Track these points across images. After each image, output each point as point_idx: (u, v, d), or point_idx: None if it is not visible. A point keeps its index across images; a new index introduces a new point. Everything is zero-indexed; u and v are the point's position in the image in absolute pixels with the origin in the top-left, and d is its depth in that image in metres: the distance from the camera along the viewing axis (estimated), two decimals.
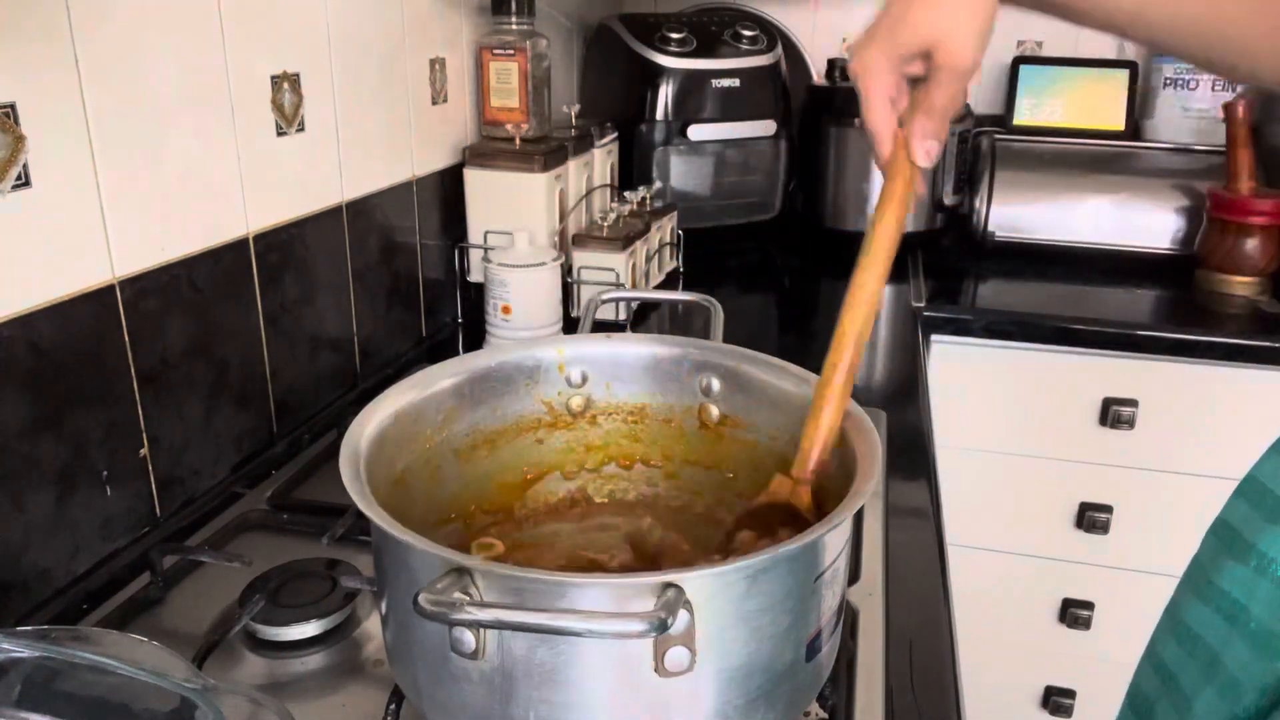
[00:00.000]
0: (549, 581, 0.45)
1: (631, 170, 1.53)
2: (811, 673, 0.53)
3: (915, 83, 0.55)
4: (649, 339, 0.73)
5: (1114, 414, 1.37)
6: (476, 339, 1.23)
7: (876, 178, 1.74)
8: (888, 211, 0.56)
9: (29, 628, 0.54)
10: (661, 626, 0.42)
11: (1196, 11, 0.52)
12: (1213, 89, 1.64)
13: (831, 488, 0.61)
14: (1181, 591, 0.55)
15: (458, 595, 0.43)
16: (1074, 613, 1.50)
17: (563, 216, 1.29)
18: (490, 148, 1.24)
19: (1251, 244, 1.43)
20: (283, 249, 0.93)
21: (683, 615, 0.44)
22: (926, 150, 0.55)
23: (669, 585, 0.43)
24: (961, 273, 1.60)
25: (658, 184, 1.49)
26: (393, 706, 0.58)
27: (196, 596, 0.71)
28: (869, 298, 0.57)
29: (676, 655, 0.46)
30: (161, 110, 0.76)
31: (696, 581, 0.45)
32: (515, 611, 0.43)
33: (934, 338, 1.39)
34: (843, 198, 1.64)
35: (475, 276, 1.28)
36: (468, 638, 0.46)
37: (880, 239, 0.56)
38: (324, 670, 0.64)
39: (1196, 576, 0.54)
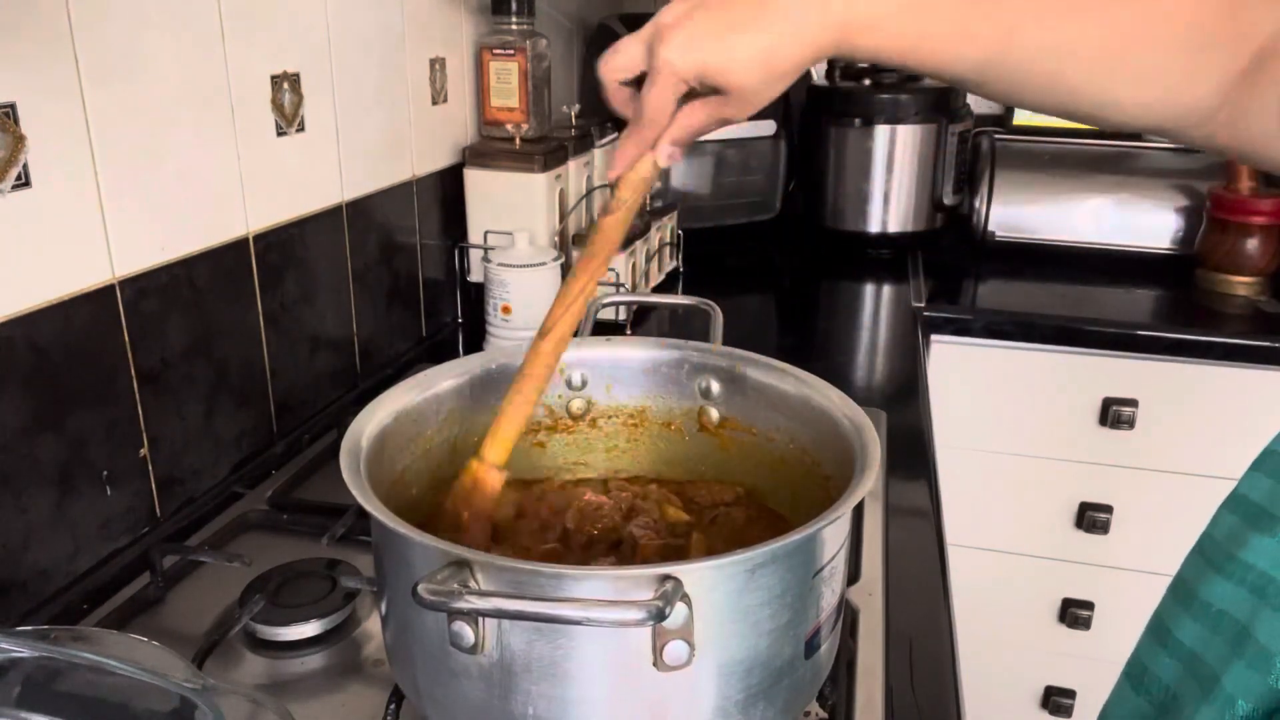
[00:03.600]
0: (547, 573, 0.45)
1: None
2: (811, 670, 0.53)
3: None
4: (649, 342, 0.73)
5: (1114, 414, 1.37)
6: (476, 339, 1.23)
7: (876, 178, 1.74)
8: (629, 190, 0.58)
9: (29, 628, 0.54)
10: (659, 615, 0.42)
11: (1046, 71, 0.52)
12: None
13: (831, 487, 0.61)
14: (1193, 569, 0.55)
15: (456, 585, 0.43)
16: (1074, 613, 1.50)
17: (563, 216, 1.29)
18: (490, 148, 1.24)
19: (1251, 244, 1.43)
20: (283, 249, 0.93)
21: (681, 608, 0.44)
22: (670, 154, 0.56)
23: (667, 577, 0.44)
24: (961, 273, 1.60)
25: (658, 184, 1.49)
26: (393, 706, 0.58)
27: (196, 596, 0.71)
28: (581, 293, 0.59)
29: (675, 649, 0.46)
30: (161, 110, 0.76)
31: (695, 574, 0.45)
32: (514, 600, 0.43)
33: (934, 338, 1.39)
34: (843, 198, 1.64)
35: (475, 276, 1.28)
36: (467, 632, 0.46)
37: (606, 240, 0.58)
38: (324, 670, 0.64)
39: (1213, 553, 0.54)
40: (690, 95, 0.55)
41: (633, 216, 0.59)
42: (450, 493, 0.60)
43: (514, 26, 1.23)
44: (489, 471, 0.59)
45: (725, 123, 0.56)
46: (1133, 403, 1.36)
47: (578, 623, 0.43)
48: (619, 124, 1.48)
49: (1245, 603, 0.50)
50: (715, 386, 0.71)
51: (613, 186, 0.58)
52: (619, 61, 0.55)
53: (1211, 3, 0.49)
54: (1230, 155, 0.56)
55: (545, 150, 1.23)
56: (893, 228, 1.63)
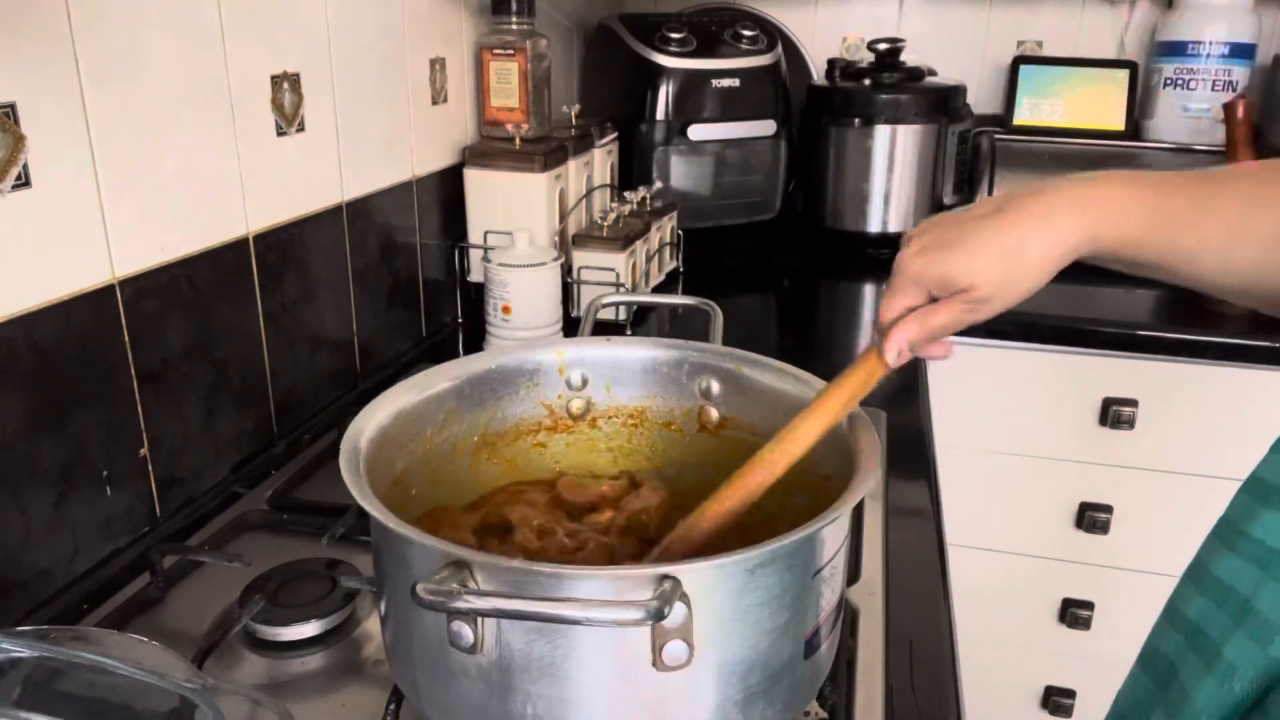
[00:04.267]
0: (546, 573, 0.45)
1: (631, 170, 1.53)
2: (811, 670, 0.53)
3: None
4: (649, 342, 0.73)
5: (1114, 414, 1.37)
6: (476, 339, 1.23)
7: (876, 178, 1.74)
8: (845, 387, 0.59)
9: (29, 628, 0.54)
10: (658, 615, 0.42)
11: (1273, 258, 0.53)
12: (1213, 89, 1.64)
13: (831, 487, 0.61)
14: (1207, 549, 0.55)
15: (455, 585, 0.43)
16: (1074, 613, 1.50)
17: (563, 216, 1.29)
18: (490, 148, 1.24)
19: None
20: (283, 249, 0.93)
21: (680, 608, 0.44)
22: (897, 353, 0.57)
23: (666, 577, 0.44)
24: None
25: (658, 184, 1.49)
26: (392, 706, 0.58)
27: (196, 596, 0.71)
28: (808, 443, 0.59)
29: (674, 649, 0.46)
30: (161, 110, 0.76)
31: (694, 574, 0.45)
32: (512, 600, 0.43)
33: None
34: (843, 198, 1.64)
35: (475, 276, 1.28)
36: (466, 631, 0.46)
37: (838, 400, 0.59)
38: (324, 670, 0.64)
39: (1226, 532, 0.54)
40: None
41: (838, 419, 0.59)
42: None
43: (514, 26, 1.23)
44: None
45: (969, 324, 0.56)
46: (1133, 403, 1.36)
47: (576, 622, 0.43)
48: (619, 124, 1.49)
49: (1250, 575, 0.50)
50: (715, 386, 0.71)
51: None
52: (896, 302, 0.57)
53: None
54: None
55: (545, 150, 1.23)
56: (893, 228, 1.63)
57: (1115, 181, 0.54)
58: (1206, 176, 0.55)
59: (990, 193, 1.60)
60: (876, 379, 0.59)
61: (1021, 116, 1.71)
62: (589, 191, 1.39)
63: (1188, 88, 1.67)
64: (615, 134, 1.47)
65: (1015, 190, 0.56)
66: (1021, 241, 0.53)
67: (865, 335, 1.38)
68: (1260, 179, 0.54)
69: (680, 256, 1.49)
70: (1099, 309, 1.41)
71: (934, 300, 0.56)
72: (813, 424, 0.58)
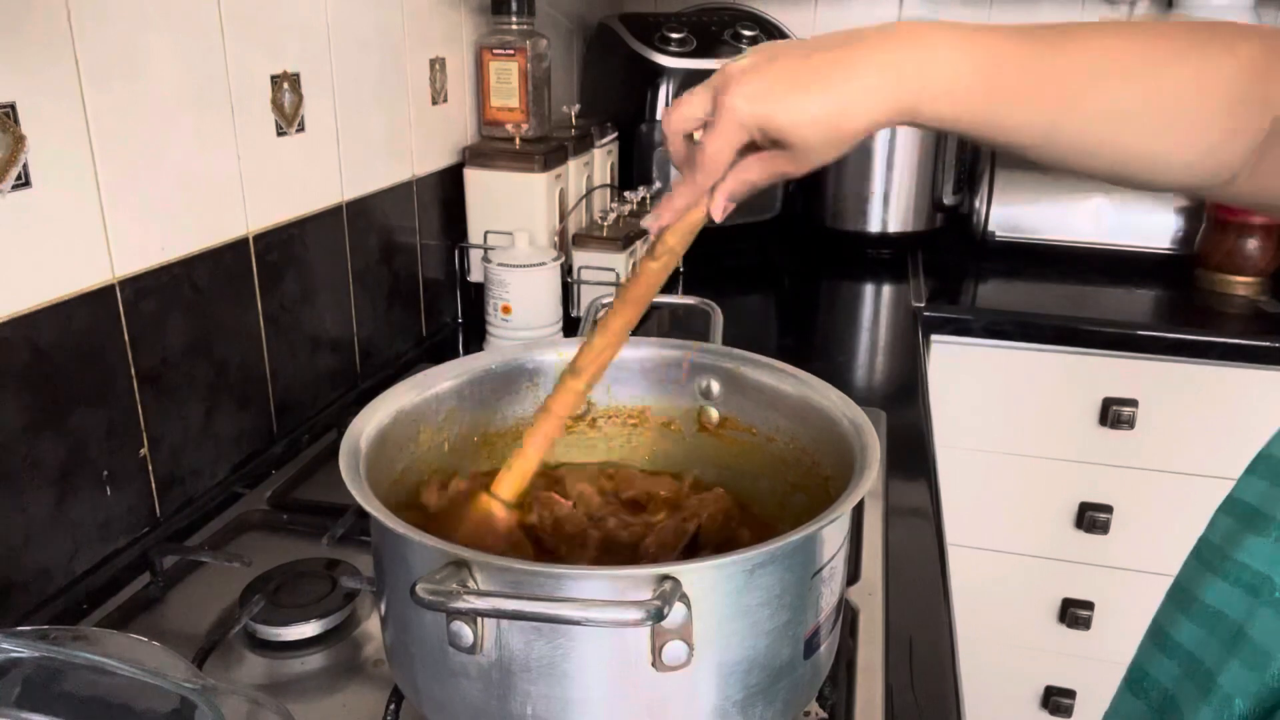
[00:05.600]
0: (546, 573, 0.45)
1: (631, 170, 1.53)
2: (810, 670, 0.53)
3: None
4: (649, 342, 0.73)
5: (1114, 414, 1.37)
6: (476, 339, 1.23)
7: (876, 178, 1.74)
8: (675, 236, 0.58)
9: (29, 628, 0.54)
10: (658, 615, 0.42)
11: (1105, 135, 0.53)
12: None
13: (830, 487, 0.61)
14: (1191, 573, 0.55)
15: (455, 585, 0.43)
16: (1074, 613, 1.50)
17: (563, 216, 1.29)
18: (490, 148, 1.24)
19: (1251, 244, 1.43)
20: (283, 249, 0.93)
21: (680, 609, 0.44)
22: (722, 207, 0.56)
23: (666, 577, 0.44)
24: (961, 273, 1.60)
25: (658, 184, 1.49)
26: (392, 706, 0.58)
27: (196, 596, 0.71)
28: (641, 301, 0.58)
29: (674, 649, 0.46)
30: (161, 110, 0.76)
31: (693, 574, 0.45)
32: (512, 600, 0.43)
33: (934, 338, 1.39)
34: (842, 198, 1.64)
35: (475, 276, 1.28)
36: (465, 632, 0.46)
37: (647, 287, 0.58)
38: (324, 670, 0.64)
39: (1209, 555, 0.54)
40: (749, 149, 0.54)
41: (675, 265, 0.58)
42: (460, 521, 0.59)
43: (514, 26, 1.23)
44: (499, 508, 0.58)
45: (782, 178, 0.55)
46: (1133, 403, 1.36)
47: (576, 623, 0.43)
48: (619, 124, 1.49)
49: (1241, 602, 0.50)
50: (715, 386, 0.71)
51: (655, 235, 0.57)
52: (685, 111, 0.55)
53: (1248, 70, 0.51)
54: (1248, 206, 0.59)
55: (545, 150, 1.23)
56: (893, 228, 1.63)
57: (946, 44, 0.51)
58: (1052, 35, 0.52)
59: (991, 193, 1.60)
60: (698, 227, 0.58)
61: None
62: (589, 191, 1.39)
63: None
64: (615, 134, 1.47)
65: (858, 30, 0.53)
66: (845, 107, 0.51)
67: (866, 334, 1.38)
68: (1110, 44, 0.52)
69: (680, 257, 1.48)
70: (1099, 309, 1.41)
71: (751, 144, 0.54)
72: (658, 271, 0.58)
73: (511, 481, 0.59)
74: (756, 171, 0.55)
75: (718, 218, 0.57)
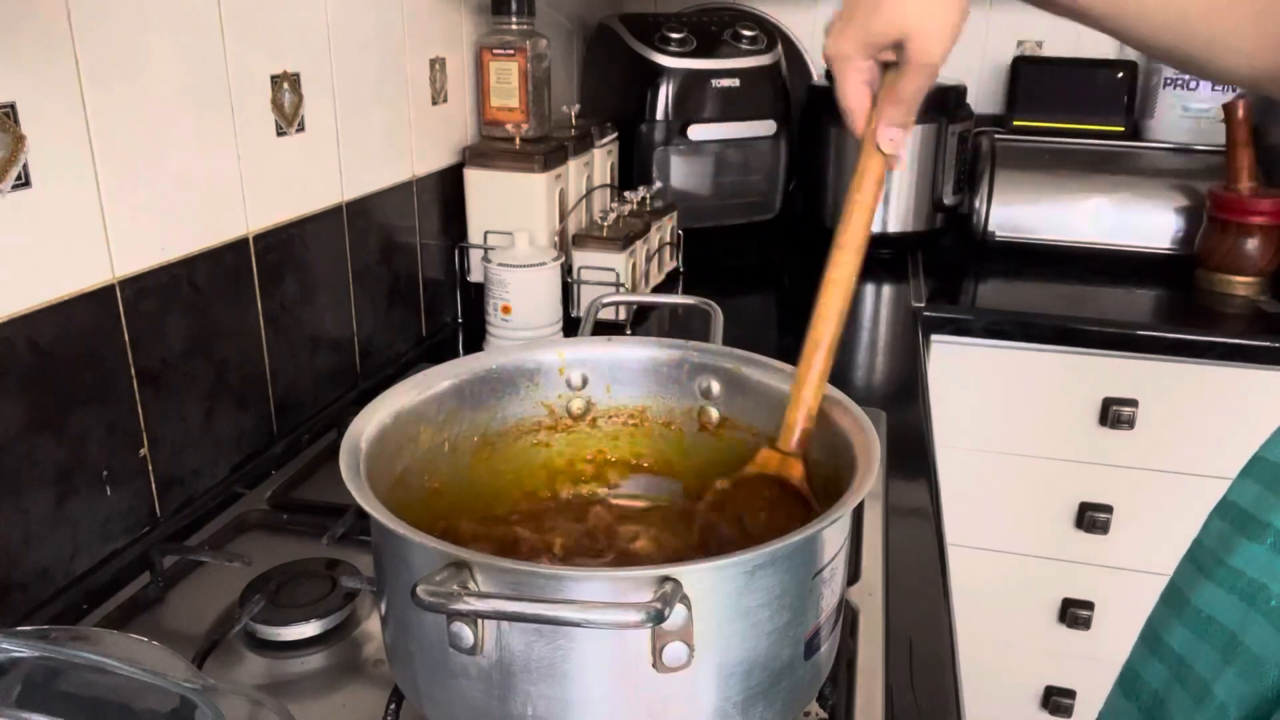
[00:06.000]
0: (546, 574, 0.45)
1: (631, 170, 1.53)
2: (811, 671, 0.53)
3: (886, 66, 0.57)
4: (649, 342, 0.73)
5: (1114, 414, 1.37)
6: (476, 339, 1.23)
7: None
8: (863, 192, 0.59)
9: (29, 628, 0.54)
10: (658, 617, 0.42)
11: (1162, 5, 0.53)
12: (1213, 89, 1.64)
13: (831, 488, 0.61)
14: (1185, 576, 0.55)
15: (455, 586, 0.43)
16: (1074, 613, 1.50)
17: (563, 216, 1.29)
18: (490, 148, 1.24)
19: (1251, 244, 1.43)
20: (283, 249, 0.93)
21: (680, 610, 0.44)
22: (891, 138, 0.57)
23: (666, 579, 0.44)
24: (961, 273, 1.60)
25: (658, 184, 1.49)
26: (393, 706, 0.58)
27: (196, 596, 0.71)
28: (848, 276, 0.61)
29: (674, 650, 0.46)
30: (161, 110, 0.76)
31: (694, 575, 0.45)
32: (512, 602, 0.43)
33: (934, 338, 1.39)
34: (843, 198, 1.63)
35: (475, 276, 1.28)
36: (466, 633, 0.46)
37: (856, 220, 0.60)
38: (324, 670, 0.64)
39: (1202, 559, 0.54)
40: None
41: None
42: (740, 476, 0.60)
43: (514, 26, 1.23)
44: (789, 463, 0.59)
45: (921, 90, 0.56)
46: (1133, 403, 1.36)
47: (576, 624, 0.43)
48: (619, 124, 1.49)
49: (1235, 609, 0.50)
50: (715, 386, 0.71)
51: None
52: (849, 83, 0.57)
53: None
54: None
55: (545, 150, 1.23)
56: (893, 228, 1.63)
57: None
58: None
59: (991, 193, 1.60)
60: (884, 177, 0.60)
61: (1021, 117, 1.71)
62: (589, 191, 1.39)
63: (1188, 88, 1.67)
64: (615, 134, 1.47)
65: None
66: None
67: (866, 334, 1.38)
68: None
69: (680, 256, 1.49)
70: (1099, 309, 1.41)
71: (884, 67, 0.56)
72: (859, 219, 0.60)
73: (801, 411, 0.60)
74: (906, 82, 0.55)
75: (886, 149, 0.57)
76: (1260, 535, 0.50)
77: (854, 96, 0.57)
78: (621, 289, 1.23)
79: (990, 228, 1.61)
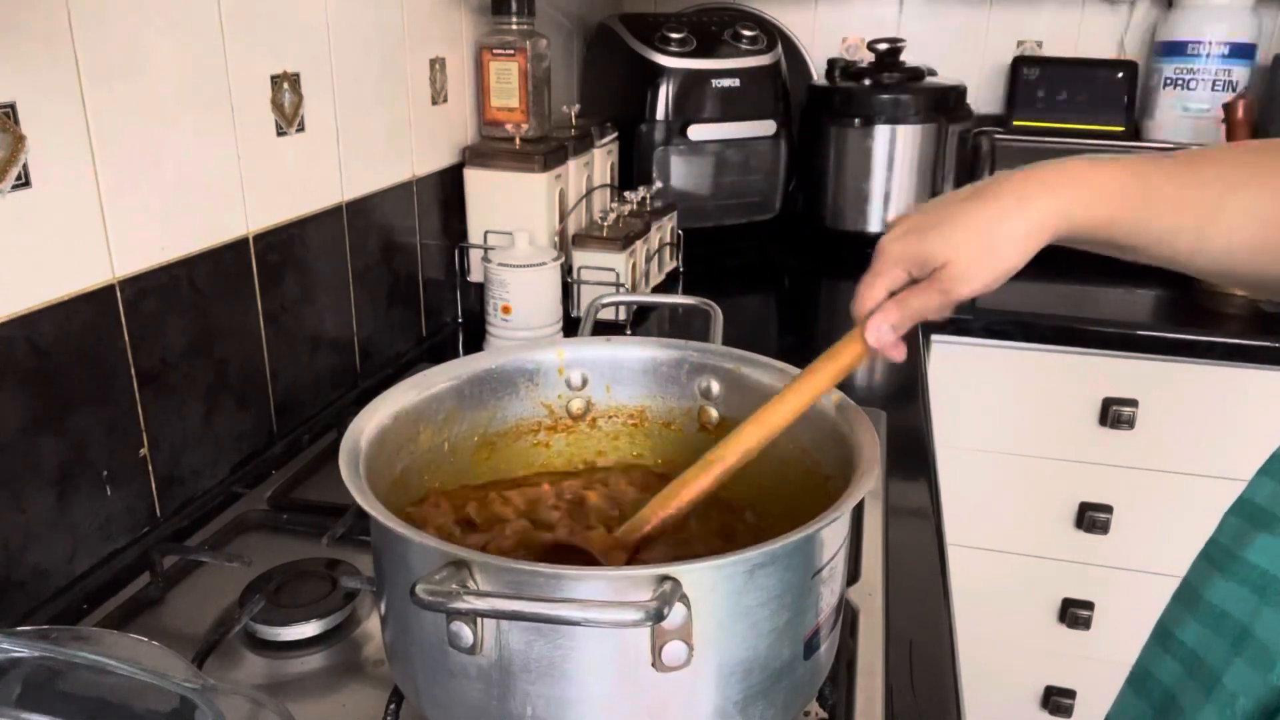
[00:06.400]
0: (546, 573, 0.45)
1: (631, 170, 1.53)
2: (810, 670, 0.53)
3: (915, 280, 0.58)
4: (649, 342, 0.73)
5: (1114, 414, 1.37)
6: (476, 339, 1.23)
7: (876, 178, 1.74)
8: (828, 365, 0.59)
9: (29, 628, 0.54)
10: (658, 616, 0.42)
11: (1244, 239, 0.54)
12: (1213, 89, 1.64)
13: (831, 487, 0.61)
14: (1199, 572, 0.55)
15: (455, 586, 0.43)
16: (1074, 613, 1.50)
17: (563, 216, 1.29)
18: (490, 148, 1.24)
19: None
20: (283, 249, 0.93)
21: (680, 609, 0.44)
22: (879, 333, 0.57)
23: (666, 578, 0.44)
24: None
25: (658, 184, 1.49)
26: (392, 706, 0.58)
27: (196, 596, 0.71)
28: (776, 427, 0.59)
29: (674, 650, 0.46)
30: (161, 110, 0.76)
31: (693, 574, 0.45)
32: (511, 601, 0.43)
33: (934, 338, 1.39)
34: (843, 198, 1.64)
35: (475, 276, 1.28)
36: (465, 632, 0.46)
37: (811, 386, 0.59)
38: (324, 670, 0.64)
39: (1217, 555, 0.54)
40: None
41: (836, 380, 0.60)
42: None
43: (514, 26, 1.23)
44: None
45: (937, 311, 0.56)
46: (1133, 403, 1.36)
47: (576, 623, 0.43)
48: (619, 124, 1.49)
49: (1247, 601, 0.50)
50: (715, 386, 0.71)
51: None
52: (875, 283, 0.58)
53: None
54: None
55: (545, 150, 1.23)
56: None
57: (1092, 162, 0.54)
58: (1186, 156, 0.55)
59: None
60: (857, 363, 0.59)
61: (1021, 116, 1.71)
62: (589, 191, 1.39)
63: (1188, 88, 1.67)
64: (615, 134, 1.47)
65: (1000, 174, 0.56)
66: (995, 220, 0.54)
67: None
68: (1241, 158, 0.54)
69: (680, 256, 1.49)
70: (1099, 309, 1.41)
71: (914, 282, 0.56)
72: (785, 408, 0.59)
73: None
74: (920, 297, 0.56)
75: (870, 340, 0.57)
76: (1275, 528, 0.50)
77: (872, 293, 0.58)
78: (621, 289, 1.23)
79: None
